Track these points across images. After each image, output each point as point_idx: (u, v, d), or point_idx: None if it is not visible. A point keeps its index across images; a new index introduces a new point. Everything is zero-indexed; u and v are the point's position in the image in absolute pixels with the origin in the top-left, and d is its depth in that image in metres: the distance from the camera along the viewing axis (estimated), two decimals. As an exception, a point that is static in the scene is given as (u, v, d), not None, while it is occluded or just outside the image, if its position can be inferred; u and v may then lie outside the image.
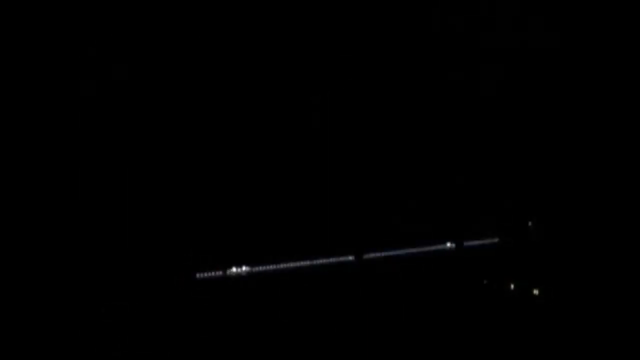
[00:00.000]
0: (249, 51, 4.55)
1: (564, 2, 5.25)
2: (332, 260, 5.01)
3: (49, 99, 3.95)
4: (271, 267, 4.79)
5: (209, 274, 4.60)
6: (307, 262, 4.92)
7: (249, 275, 4.67)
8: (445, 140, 5.27)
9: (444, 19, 5.16)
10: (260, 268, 4.73)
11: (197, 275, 4.56)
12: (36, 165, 3.94)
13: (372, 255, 5.11)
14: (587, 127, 5.26)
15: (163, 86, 4.30)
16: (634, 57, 5.12)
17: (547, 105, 5.38)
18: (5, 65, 3.82)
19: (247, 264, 4.67)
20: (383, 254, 5.16)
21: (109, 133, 4.17)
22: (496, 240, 5.02)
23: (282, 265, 4.84)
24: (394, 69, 5.05)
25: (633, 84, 5.14)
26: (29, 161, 3.91)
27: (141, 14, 4.19)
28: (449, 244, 5.42)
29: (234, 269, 4.65)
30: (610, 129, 5.20)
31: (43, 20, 3.87)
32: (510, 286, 4.64)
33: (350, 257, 5.08)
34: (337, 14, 4.75)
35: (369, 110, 5.00)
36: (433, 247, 5.37)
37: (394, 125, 5.10)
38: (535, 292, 4.53)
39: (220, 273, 4.62)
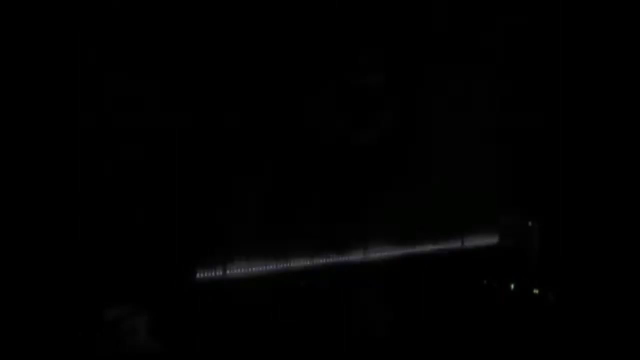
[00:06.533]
0: (249, 53, 4.56)
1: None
2: (331, 260, 5.02)
3: (48, 99, 3.95)
4: (271, 267, 4.80)
5: (209, 274, 4.60)
6: (306, 262, 4.92)
7: (248, 275, 4.68)
8: (445, 140, 5.28)
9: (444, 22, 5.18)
10: (260, 268, 4.74)
11: (197, 275, 4.56)
12: (35, 166, 3.94)
13: (372, 255, 5.12)
14: (588, 127, 5.27)
15: (164, 87, 4.31)
16: (633, 57, 5.13)
17: (548, 105, 5.39)
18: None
19: (247, 264, 4.67)
20: (383, 254, 5.16)
21: (109, 133, 4.18)
22: (496, 240, 5.03)
23: (281, 265, 4.85)
24: (394, 68, 5.06)
25: (633, 84, 5.15)
26: (28, 161, 3.92)
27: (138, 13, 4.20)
28: (449, 244, 5.43)
29: (233, 269, 4.65)
30: (610, 130, 5.21)
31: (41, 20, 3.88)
32: (510, 286, 4.65)
33: (351, 257, 5.08)
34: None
35: (368, 109, 5.02)
36: (434, 247, 5.37)
37: (393, 124, 5.11)
38: (535, 292, 4.53)
39: (220, 273, 4.63)
